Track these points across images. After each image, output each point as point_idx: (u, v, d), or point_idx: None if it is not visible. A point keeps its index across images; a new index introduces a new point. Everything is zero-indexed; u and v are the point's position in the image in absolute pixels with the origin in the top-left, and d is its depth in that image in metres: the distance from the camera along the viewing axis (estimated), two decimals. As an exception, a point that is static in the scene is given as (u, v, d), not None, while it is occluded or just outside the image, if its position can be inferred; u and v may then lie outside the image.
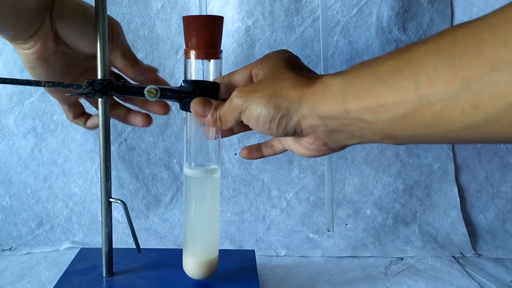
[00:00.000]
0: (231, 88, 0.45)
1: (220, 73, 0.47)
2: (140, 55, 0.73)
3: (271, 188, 0.76)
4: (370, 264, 0.65)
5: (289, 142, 0.42)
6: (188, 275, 0.51)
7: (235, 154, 0.76)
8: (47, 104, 0.72)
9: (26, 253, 0.65)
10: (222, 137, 0.49)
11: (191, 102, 0.44)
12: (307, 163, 0.76)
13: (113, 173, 0.74)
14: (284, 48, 0.73)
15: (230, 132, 0.48)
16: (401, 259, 0.67)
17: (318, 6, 0.72)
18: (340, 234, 0.72)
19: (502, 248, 0.71)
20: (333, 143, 0.38)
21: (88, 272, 0.54)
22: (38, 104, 0.72)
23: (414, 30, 0.75)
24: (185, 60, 0.46)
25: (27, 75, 0.71)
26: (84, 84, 0.44)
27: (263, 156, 0.48)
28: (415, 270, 0.64)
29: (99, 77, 0.47)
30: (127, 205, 0.50)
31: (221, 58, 0.47)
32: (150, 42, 0.73)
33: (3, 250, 0.66)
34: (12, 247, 0.67)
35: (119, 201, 0.50)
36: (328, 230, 0.57)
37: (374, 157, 0.77)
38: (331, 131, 0.36)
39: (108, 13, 0.72)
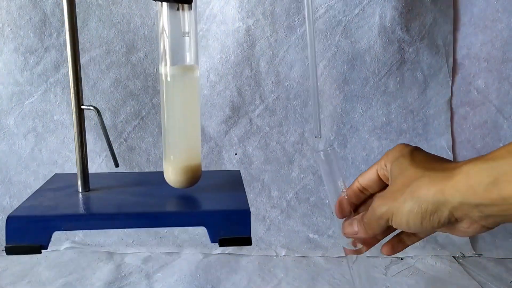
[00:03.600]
0: (364, 191, 0.46)
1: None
2: (140, 55, 0.73)
3: (271, 188, 0.76)
4: (370, 264, 0.65)
5: (442, 228, 0.42)
6: (170, 184, 0.47)
7: (235, 154, 0.76)
8: (47, 104, 0.72)
9: (26, 253, 0.65)
10: (368, 247, 0.47)
11: (342, 228, 0.44)
12: (307, 164, 0.76)
13: (113, 173, 0.74)
14: (285, 48, 0.73)
15: (375, 240, 0.48)
16: (401, 259, 0.67)
17: (320, 6, 0.72)
18: (340, 234, 0.72)
19: (502, 248, 0.71)
20: (491, 224, 0.38)
21: (62, 189, 0.49)
22: (38, 104, 0.72)
23: (417, 30, 0.75)
24: None
25: (27, 75, 0.71)
26: None
27: (407, 246, 0.47)
28: (415, 270, 0.64)
29: None
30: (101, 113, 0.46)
31: None
32: (150, 42, 0.73)
33: (3, 250, 0.66)
34: (12, 247, 0.67)
35: (91, 107, 0.45)
36: (316, 137, 0.52)
37: (374, 158, 0.77)
38: (488, 216, 0.36)
39: (108, 12, 0.72)
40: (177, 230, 0.72)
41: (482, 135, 0.79)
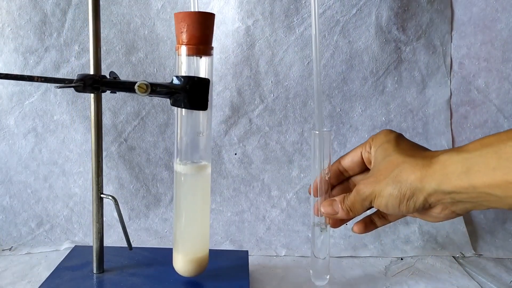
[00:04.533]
0: (344, 172, 0.50)
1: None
2: (140, 55, 0.73)
3: (271, 188, 0.76)
4: (370, 264, 0.65)
5: (415, 213, 0.45)
6: (178, 272, 0.51)
7: (235, 154, 0.76)
8: (47, 104, 0.72)
9: (26, 253, 0.66)
10: (337, 226, 0.52)
11: (321, 207, 0.48)
12: (307, 163, 0.76)
13: (113, 173, 0.74)
14: (284, 48, 0.74)
15: (345, 220, 0.51)
16: (401, 259, 0.67)
17: (318, 7, 0.72)
18: (340, 234, 0.72)
19: (502, 248, 0.71)
20: (461, 211, 0.41)
21: (79, 268, 0.54)
22: (38, 104, 0.72)
23: (414, 30, 0.75)
24: (176, 57, 0.46)
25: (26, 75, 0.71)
26: (75, 78, 0.45)
27: (377, 228, 0.51)
28: (415, 270, 0.64)
29: (91, 72, 0.47)
30: (118, 201, 0.51)
31: (212, 55, 0.47)
32: (150, 42, 0.73)
33: (3, 250, 0.66)
34: (12, 247, 0.67)
35: (110, 197, 0.50)
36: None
37: (374, 157, 0.77)
38: (458, 201, 0.39)
39: (108, 13, 0.72)
40: (177, 230, 0.73)
41: (482, 135, 0.79)
